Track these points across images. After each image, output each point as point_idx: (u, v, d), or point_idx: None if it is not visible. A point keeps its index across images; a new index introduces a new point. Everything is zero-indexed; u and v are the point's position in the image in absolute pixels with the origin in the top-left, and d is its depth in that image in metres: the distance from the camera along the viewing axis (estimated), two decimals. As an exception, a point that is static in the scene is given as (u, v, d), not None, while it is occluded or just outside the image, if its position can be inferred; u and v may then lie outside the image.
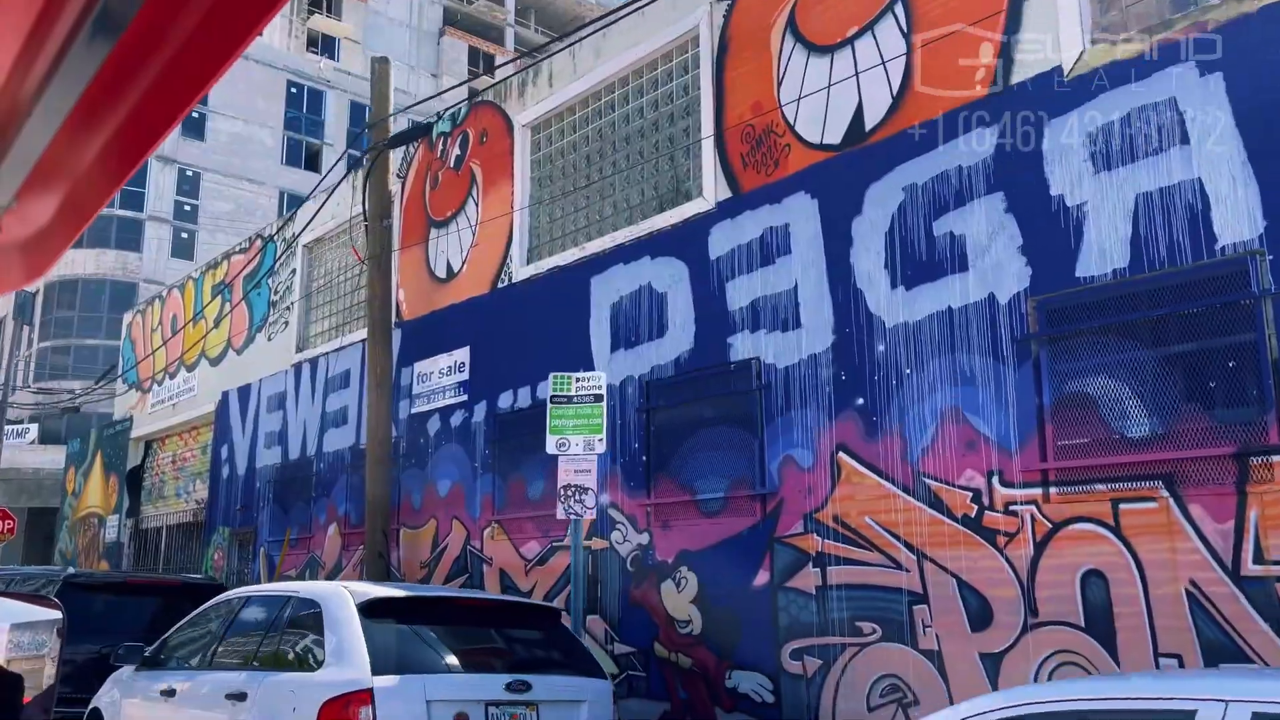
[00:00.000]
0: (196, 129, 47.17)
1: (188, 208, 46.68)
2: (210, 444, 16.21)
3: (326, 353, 13.21)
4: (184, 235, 46.51)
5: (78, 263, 44.24)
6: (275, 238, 15.02)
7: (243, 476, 14.57)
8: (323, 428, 12.93)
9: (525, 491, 9.62)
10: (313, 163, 50.80)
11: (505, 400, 10.04)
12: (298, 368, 13.78)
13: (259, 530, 13.91)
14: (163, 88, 1.08)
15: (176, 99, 1.10)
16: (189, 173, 46.78)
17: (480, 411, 10.34)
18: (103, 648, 8.49)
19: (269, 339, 14.78)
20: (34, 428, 41.40)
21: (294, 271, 14.39)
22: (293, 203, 50.23)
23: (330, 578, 12.12)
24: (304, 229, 13.29)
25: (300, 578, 12.65)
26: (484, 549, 9.95)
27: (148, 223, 45.24)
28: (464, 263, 11.06)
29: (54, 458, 41.88)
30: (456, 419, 10.65)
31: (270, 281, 14.88)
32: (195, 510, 16.42)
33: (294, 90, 50.75)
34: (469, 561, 10.11)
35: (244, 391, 14.96)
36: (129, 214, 44.78)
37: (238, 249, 16.27)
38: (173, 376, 17.55)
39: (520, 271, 10.25)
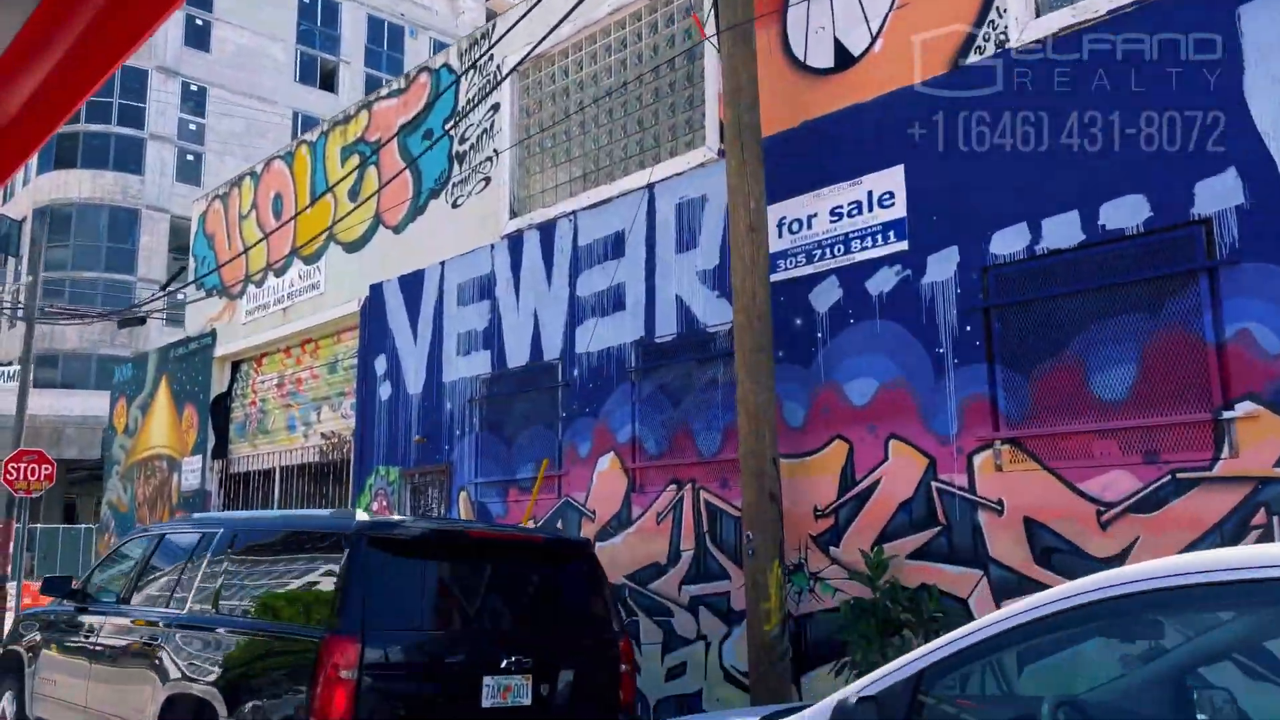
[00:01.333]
0: (200, 38, 42.26)
1: (193, 126, 41.87)
2: (350, 357, 12.12)
3: (570, 213, 9.14)
4: (190, 157, 41.76)
5: (71, 185, 39.32)
6: (458, 67, 10.82)
7: (417, 396, 10.54)
8: (573, 318, 8.91)
9: (1084, 386, 5.70)
10: (328, 82, 46.13)
11: (1009, 242, 6.09)
12: (515, 239, 9.71)
13: (455, 467, 9.92)
14: (92, 40, 1.06)
15: (107, 52, 1.09)
16: (194, 87, 41.91)
17: (942, 266, 6.38)
18: (464, 658, 4.56)
19: (453, 205, 10.65)
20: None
21: (495, 109, 10.23)
22: (308, 124, 45.70)
23: (608, 534, 8.20)
24: (532, 49, 9.15)
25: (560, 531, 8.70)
26: (977, 487, 6.05)
27: (149, 142, 40.38)
28: (876, 37, 7.01)
29: (49, 402, 37.31)
30: (882, 282, 6.68)
31: (452, 128, 10.72)
32: (323, 447, 12.38)
33: (306, 0, 45.83)
34: (940, 507, 6.21)
35: (411, 282, 10.87)
36: (128, 131, 39.87)
37: (385, 93, 12.03)
38: (280, 274, 13.37)
39: (1025, 30, 6.24)
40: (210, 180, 41.60)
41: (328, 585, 4.53)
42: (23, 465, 15.47)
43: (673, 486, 7.83)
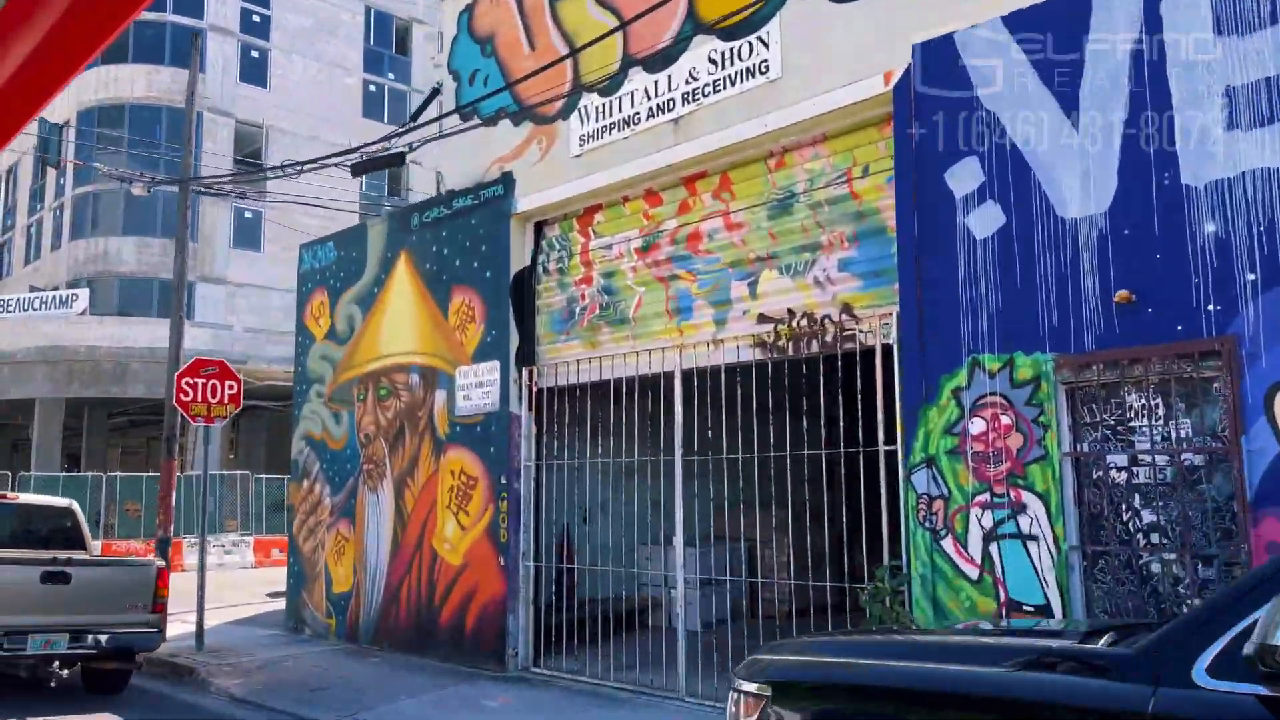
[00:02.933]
0: (259, -90, 36.55)
1: (257, 18, 36.28)
2: (825, 186, 7.21)
3: None
4: (254, 54, 36.23)
5: (122, 82, 33.82)
6: None
7: (1092, 221, 5.67)
8: None
9: None
10: (401, -23, 40.46)
11: None
12: None
13: (1251, 345, 5.08)
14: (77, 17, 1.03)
15: (96, 25, 1.07)
16: (256, -31, 36.27)
17: None
18: None
19: None
20: (84, 294, 31.74)
21: None
22: (381, 22, 40.22)
23: None
24: None
25: None
26: None
27: (210, 34, 34.78)
28: None
29: (111, 331, 32.24)
30: None
31: None
32: (773, 336, 7.51)
33: (375, -120, 40.11)
34: None
35: (1046, 16, 5.93)
36: (185, 20, 34.23)
37: None
38: (657, 69, 8.39)
39: None
40: (278, 82, 36.14)
41: None
42: (201, 382, 10.61)
43: None
